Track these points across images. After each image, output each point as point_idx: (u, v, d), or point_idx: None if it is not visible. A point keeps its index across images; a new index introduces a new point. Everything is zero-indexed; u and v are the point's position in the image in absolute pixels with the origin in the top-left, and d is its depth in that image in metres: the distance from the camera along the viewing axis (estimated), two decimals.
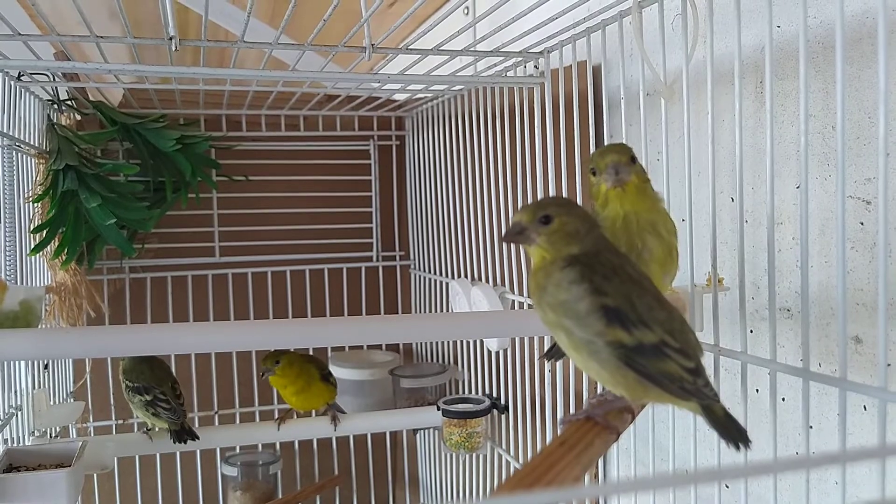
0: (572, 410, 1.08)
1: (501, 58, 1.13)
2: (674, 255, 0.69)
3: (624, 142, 0.92)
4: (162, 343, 0.72)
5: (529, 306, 1.17)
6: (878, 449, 0.35)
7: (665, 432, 0.95)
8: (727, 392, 0.92)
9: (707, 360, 0.79)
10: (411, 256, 1.79)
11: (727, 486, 0.93)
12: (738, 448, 0.52)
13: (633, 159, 0.66)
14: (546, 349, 0.85)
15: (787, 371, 0.68)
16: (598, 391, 0.61)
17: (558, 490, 0.30)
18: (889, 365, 0.75)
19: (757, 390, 0.89)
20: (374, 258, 1.78)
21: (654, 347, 0.53)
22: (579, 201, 1.11)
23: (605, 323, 0.53)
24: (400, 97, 1.63)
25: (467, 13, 1.57)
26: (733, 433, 0.52)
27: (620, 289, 0.53)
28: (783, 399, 0.86)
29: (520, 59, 1.11)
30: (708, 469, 0.28)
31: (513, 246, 1.23)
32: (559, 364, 1.10)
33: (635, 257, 0.65)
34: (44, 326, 1.28)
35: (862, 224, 0.77)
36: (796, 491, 0.85)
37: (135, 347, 0.72)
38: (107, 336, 0.68)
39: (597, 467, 1.20)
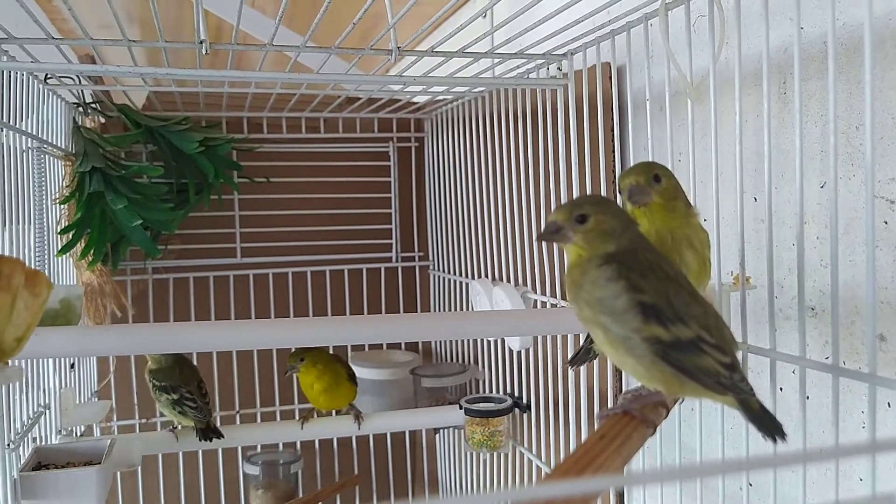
0: (596, 410, 1.09)
1: (524, 60, 1.14)
2: (707, 266, 0.70)
3: (649, 144, 0.93)
4: (198, 340, 0.73)
5: (553, 306, 1.18)
6: None
7: (691, 433, 0.96)
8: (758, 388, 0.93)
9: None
10: (430, 257, 1.80)
11: (751, 485, 0.94)
12: (774, 441, 0.53)
13: (657, 178, 0.67)
14: (572, 353, 0.86)
15: (816, 367, 0.68)
16: (626, 389, 0.62)
17: (606, 477, 0.31)
18: None
19: (781, 389, 0.90)
20: (394, 259, 1.79)
21: (691, 343, 0.54)
22: None
23: (641, 319, 0.54)
24: (420, 100, 1.64)
25: (485, 17, 1.58)
26: (770, 426, 0.53)
27: (657, 286, 0.54)
28: (808, 397, 0.87)
29: (543, 61, 1.12)
30: (737, 459, 0.29)
31: (535, 246, 1.24)
32: (584, 366, 1.11)
33: None
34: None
35: (886, 223, 0.77)
36: (822, 486, 0.85)
37: (173, 345, 0.74)
38: (149, 333, 0.70)
39: None
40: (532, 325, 0.97)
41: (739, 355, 0.78)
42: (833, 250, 0.67)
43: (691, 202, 0.74)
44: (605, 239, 0.57)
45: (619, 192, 0.69)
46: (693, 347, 0.53)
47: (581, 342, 0.84)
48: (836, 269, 0.67)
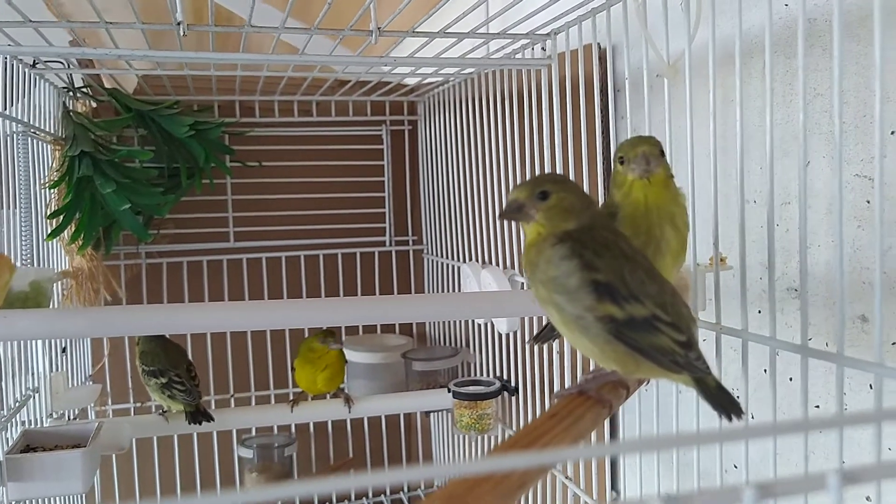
0: None
1: (509, 40, 1.13)
2: (685, 246, 0.70)
3: (627, 125, 0.92)
4: (170, 322, 0.73)
5: None
6: (873, 413, 0.35)
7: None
8: (735, 372, 0.92)
9: (710, 339, 0.79)
10: (424, 241, 1.80)
11: (735, 467, 0.93)
12: (730, 419, 0.52)
13: (662, 153, 0.67)
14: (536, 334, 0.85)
15: (786, 348, 0.68)
16: (592, 367, 0.62)
17: (551, 452, 0.30)
18: (895, 343, 0.75)
19: (765, 370, 0.89)
20: (388, 243, 1.78)
21: (645, 321, 0.53)
22: (587, 183, 1.11)
23: (595, 298, 0.53)
24: (411, 81, 1.63)
25: None
26: (725, 405, 0.53)
27: (611, 264, 0.54)
28: (790, 379, 0.86)
29: (527, 41, 1.11)
30: (710, 431, 0.28)
31: (521, 229, 1.23)
32: (567, 345, 1.10)
33: (654, 247, 0.66)
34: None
35: (868, 202, 0.76)
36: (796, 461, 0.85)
37: (142, 326, 0.74)
38: (112, 315, 0.70)
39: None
40: (517, 305, 0.97)
41: (713, 337, 0.78)
42: (802, 228, 0.66)
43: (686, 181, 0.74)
44: (566, 216, 0.56)
45: (621, 161, 0.67)
46: (647, 326, 0.53)
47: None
48: (804, 247, 0.66)
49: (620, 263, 0.54)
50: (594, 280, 0.53)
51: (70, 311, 0.72)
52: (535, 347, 1.22)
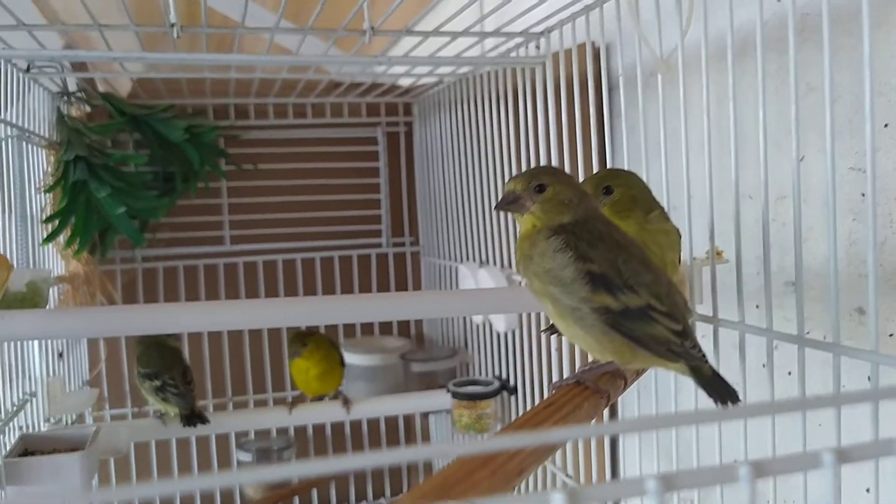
0: None
1: (503, 39, 1.13)
2: (670, 266, 0.71)
3: (623, 124, 0.92)
4: (162, 321, 0.73)
5: None
6: (870, 392, 0.36)
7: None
8: (735, 366, 0.92)
9: (708, 332, 0.79)
10: (421, 242, 1.80)
11: (735, 462, 0.93)
12: (725, 405, 0.52)
13: (608, 190, 0.69)
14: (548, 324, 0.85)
15: (782, 339, 0.68)
16: (590, 360, 0.62)
17: (552, 432, 0.30)
18: (892, 335, 0.75)
19: (763, 365, 0.89)
20: (384, 244, 1.78)
21: (641, 311, 0.53)
22: (582, 181, 1.10)
23: (590, 289, 0.53)
24: (406, 82, 1.63)
25: None
26: (722, 392, 0.53)
27: (606, 255, 0.54)
28: (789, 373, 0.86)
29: (521, 39, 1.11)
30: (709, 410, 0.29)
31: (516, 220, 1.23)
32: (566, 344, 1.10)
33: None
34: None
35: (863, 195, 0.77)
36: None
37: (138, 326, 0.73)
38: (109, 315, 0.70)
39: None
40: (515, 301, 0.97)
41: (711, 330, 0.78)
42: (797, 224, 0.66)
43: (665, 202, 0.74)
44: (562, 209, 0.56)
45: None
46: (643, 315, 0.53)
47: None
48: (799, 242, 0.66)
49: (615, 254, 0.54)
50: (589, 271, 0.53)
51: (68, 311, 0.72)
52: (534, 346, 1.22)
